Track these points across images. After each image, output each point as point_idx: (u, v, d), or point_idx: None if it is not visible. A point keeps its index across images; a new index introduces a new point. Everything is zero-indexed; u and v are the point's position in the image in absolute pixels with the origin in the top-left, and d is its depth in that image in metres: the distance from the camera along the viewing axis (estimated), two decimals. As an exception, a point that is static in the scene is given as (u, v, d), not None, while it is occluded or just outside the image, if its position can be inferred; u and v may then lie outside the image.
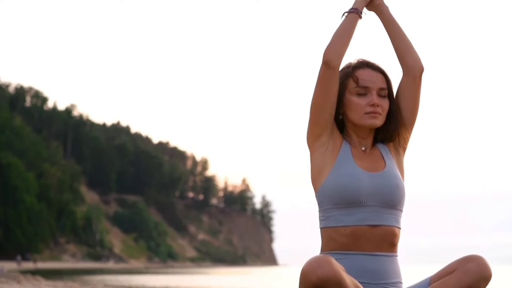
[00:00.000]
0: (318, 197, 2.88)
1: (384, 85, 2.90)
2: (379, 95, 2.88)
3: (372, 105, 2.85)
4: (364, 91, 2.87)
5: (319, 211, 2.88)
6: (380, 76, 2.91)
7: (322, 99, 2.82)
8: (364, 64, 2.93)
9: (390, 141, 2.96)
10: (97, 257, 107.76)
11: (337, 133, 2.89)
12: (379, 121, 2.87)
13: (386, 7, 2.95)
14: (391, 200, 2.81)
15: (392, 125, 2.93)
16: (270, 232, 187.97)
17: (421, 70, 2.91)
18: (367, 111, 2.85)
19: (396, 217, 2.84)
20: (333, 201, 2.81)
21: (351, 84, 2.90)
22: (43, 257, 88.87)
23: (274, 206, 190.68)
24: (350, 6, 2.90)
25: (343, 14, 2.86)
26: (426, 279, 2.79)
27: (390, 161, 2.90)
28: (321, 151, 2.86)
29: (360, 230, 2.78)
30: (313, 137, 2.86)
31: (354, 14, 2.85)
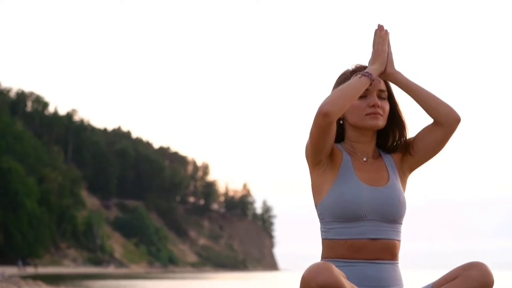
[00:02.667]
0: (318, 210, 2.87)
1: (383, 87, 2.89)
2: (379, 97, 2.87)
3: (373, 106, 2.83)
4: (364, 93, 2.85)
5: (320, 222, 2.88)
6: (379, 78, 2.89)
7: (320, 143, 2.80)
8: (362, 68, 2.91)
9: (392, 145, 2.95)
10: (97, 262, 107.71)
11: (336, 150, 2.87)
12: (380, 122, 2.85)
13: (399, 73, 2.88)
14: (392, 215, 2.81)
15: (393, 128, 2.92)
16: (270, 237, 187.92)
17: (457, 121, 2.85)
18: (368, 112, 2.83)
19: (396, 231, 2.84)
20: (333, 215, 2.80)
21: (350, 88, 2.90)
22: (43, 262, 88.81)
23: (275, 211, 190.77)
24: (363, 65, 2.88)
25: (356, 74, 2.80)
26: (428, 285, 2.77)
27: (394, 174, 2.88)
28: (321, 170, 2.85)
29: (360, 242, 2.77)
30: (312, 163, 2.86)
31: (367, 78, 2.79)
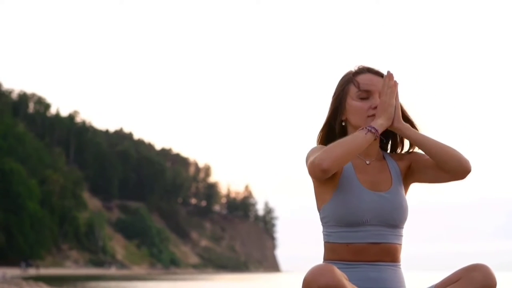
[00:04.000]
0: (321, 214, 2.87)
1: (385, 89, 2.90)
2: None
3: (375, 108, 2.81)
4: (366, 95, 2.84)
5: (322, 225, 2.88)
6: (381, 80, 2.87)
7: (321, 182, 2.81)
8: (364, 70, 2.90)
9: (394, 148, 2.95)
10: (99, 264, 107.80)
11: None
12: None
13: (407, 128, 2.80)
14: (394, 221, 2.80)
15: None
16: (272, 238, 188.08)
17: (467, 173, 2.79)
18: (370, 114, 2.81)
19: (397, 235, 2.83)
20: (335, 220, 2.80)
21: (353, 89, 2.87)
22: (45, 263, 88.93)
23: (276, 213, 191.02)
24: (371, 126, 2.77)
25: (363, 128, 2.74)
26: (430, 287, 2.77)
27: (397, 179, 2.87)
28: (322, 181, 2.84)
29: (362, 246, 2.77)
30: (314, 181, 2.86)
31: (372, 135, 2.73)
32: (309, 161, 2.74)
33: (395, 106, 2.78)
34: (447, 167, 2.77)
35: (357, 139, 2.71)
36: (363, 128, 2.73)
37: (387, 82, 2.78)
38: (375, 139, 2.76)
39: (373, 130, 2.72)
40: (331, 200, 2.81)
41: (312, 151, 2.82)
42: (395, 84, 2.79)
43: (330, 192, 2.82)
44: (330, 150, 2.69)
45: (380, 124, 2.74)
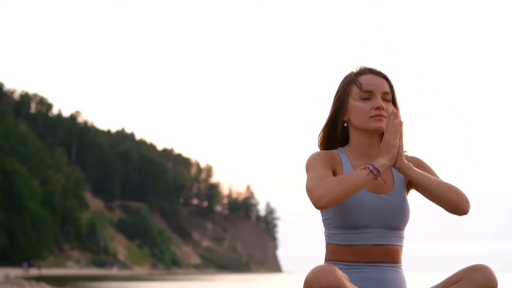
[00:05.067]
0: (323, 216, 2.88)
1: (388, 90, 2.87)
2: (384, 99, 2.85)
3: (377, 108, 2.81)
4: (368, 96, 2.84)
5: (324, 226, 2.88)
6: (383, 81, 2.88)
7: None
8: (366, 70, 2.90)
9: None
10: (101, 264, 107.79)
11: (336, 166, 2.86)
12: (384, 124, 2.83)
13: (408, 169, 2.77)
14: (395, 223, 2.81)
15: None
16: (274, 239, 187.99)
17: (464, 214, 2.79)
18: (372, 115, 2.81)
19: (399, 237, 2.84)
20: (337, 222, 2.80)
21: (355, 90, 2.87)
22: (47, 263, 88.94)
23: (278, 213, 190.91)
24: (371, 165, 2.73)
25: (365, 168, 2.71)
26: (431, 288, 2.77)
27: (399, 181, 2.87)
28: None
29: (363, 248, 2.78)
30: None
31: (374, 176, 2.70)
32: (307, 188, 2.72)
33: (399, 146, 2.75)
34: (445, 206, 2.78)
35: (358, 179, 2.69)
36: (365, 168, 2.71)
37: (392, 120, 2.75)
38: (375, 179, 2.72)
39: (375, 172, 2.70)
40: None
41: (312, 166, 2.81)
42: (400, 123, 2.76)
43: None
44: (330, 187, 2.67)
45: (382, 164, 2.72)
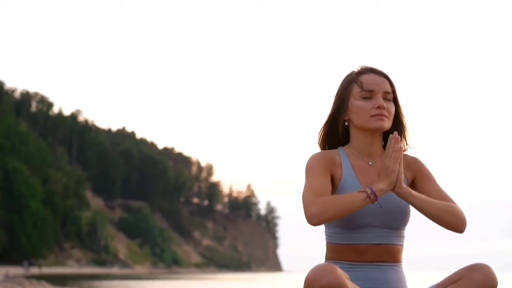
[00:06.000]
0: None
1: (389, 89, 2.86)
2: (385, 99, 2.84)
3: (378, 107, 2.80)
4: (369, 95, 2.83)
5: (324, 225, 2.88)
6: (384, 80, 2.87)
7: None
8: (367, 70, 2.89)
9: None
10: (101, 263, 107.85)
11: (335, 169, 2.85)
12: (386, 124, 2.82)
13: (407, 194, 2.75)
14: (396, 223, 2.81)
15: (397, 131, 2.89)
16: (274, 238, 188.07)
17: (460, 233, 2.82)
18: (373, 114, 2.80)
19: (399, 236, 2.84)
20: (337, 222, 2.80)
21: (356, 89, 2.86)
22: (48, 262, 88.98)
23: (279, 212, 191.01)
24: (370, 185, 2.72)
25: (364, 191, 2.69)
26: (431, 287, 2.77)
27: (400, 180, 2.84)
28: None
29: (364, 247, 2.78)
30: None
31: (371, 201, 2.69)
32: (303, 199, 2.74)
33: (398, 171, 2.73)
34: (442, 226, 2.80)
35: (355, 202, 2.68)
36: (364, 191, 2.69)
37: (392, 145, 2.73)
38: (372, 203, 2.71)
39: (372, 196, 2.68)
40: None
41: (310, 172, 2.80)
42: (401, 149, 2.73)
43: (333, 191, 2.83)
44: (325, 206, 2.67)
45: (381, 189, 2.70)
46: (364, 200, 2.68)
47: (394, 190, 2.74)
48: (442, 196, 2.86)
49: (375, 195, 2.68)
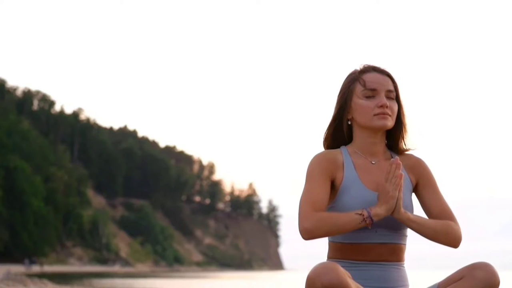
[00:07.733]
0: None
1: (391, 88, 2.87)
2: (388, 97, 2.84)
3: (381, 106, 2.80)
4: (372, 94, 2.83)
5: None
6: (387, 79, 2.87)
7: None
8: (370, 68, 2.90)
9: (394, 145, 2.94)
10: (103, 261, 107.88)
11: (337, 172, 2.84)
12: (389, 122, 2.82)
13: (406, 219, 2.75)
14: (399, 223, 2.81)
15: (399, 130, 2.90)
16: (276, 236, 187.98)
17: (454, 248, 2.86)
18: (376, 113, 2.80)
19: (403, 235, 2.84)
20: None
21: (358, 87, 2.86)
22: (49, 260, 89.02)
23: (280, 211, 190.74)
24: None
25: (361, 214, 2.69)
26: (433, 286, 2.77)
27: (405, 180, 2.86)
28: None
29: (366, 246, 2.78)
30: None
31: (366, 224, 2.69)
32: (299, 208, 2.75)
33: (397, 198, 2.72)
34: (438, 243, 2.83)
35: (350, 224, 2.69)
36: (361, 214, 2.69)
37: (393, 170, 2.73)
38: (368, 226, 2.72)
39: (368, 220, 2.69)
40: (335, 202, 2.81)
41: (311, 177, 2.81)
42: (401, 176, 2.73)
43: (333, 194, 2.83)
44: (320, 223, 2.69)
45: (378, 214, 2.70)
46: (360, 223, 2.69)
47: (393, 215, 2.74)
48: (442, 208, 2.86)
49: (371, 220, 2.69)
